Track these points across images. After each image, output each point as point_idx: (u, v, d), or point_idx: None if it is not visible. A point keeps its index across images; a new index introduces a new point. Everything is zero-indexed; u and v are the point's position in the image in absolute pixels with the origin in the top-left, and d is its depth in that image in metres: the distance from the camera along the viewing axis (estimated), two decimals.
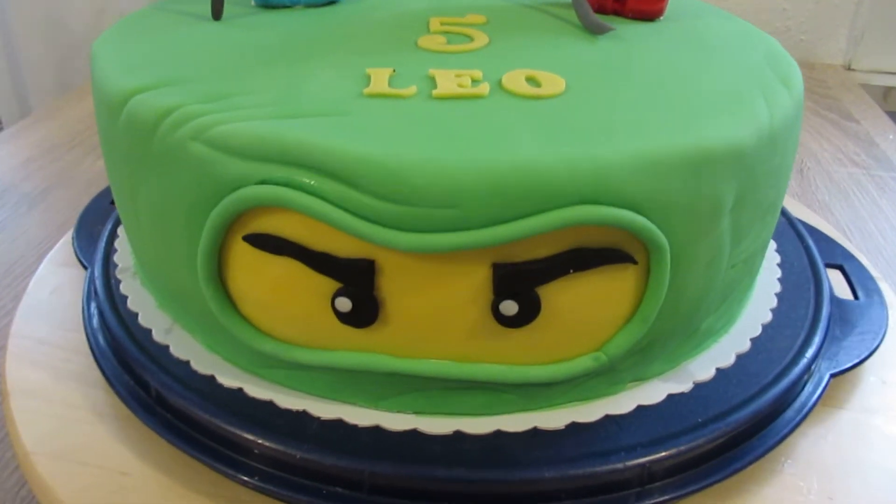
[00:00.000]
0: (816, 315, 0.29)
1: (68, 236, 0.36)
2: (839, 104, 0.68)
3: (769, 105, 0.24)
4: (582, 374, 0.23)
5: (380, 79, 0.23)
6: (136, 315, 0.27)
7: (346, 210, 0.20)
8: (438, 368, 0.22)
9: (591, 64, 0.26)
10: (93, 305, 0.29)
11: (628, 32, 0.29)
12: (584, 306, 0.22)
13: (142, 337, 0.26)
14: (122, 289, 0.29)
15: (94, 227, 0.35)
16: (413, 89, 0.23)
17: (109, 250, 0.31)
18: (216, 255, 0.22)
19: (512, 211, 0.20)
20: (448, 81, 0.23)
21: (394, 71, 0.24)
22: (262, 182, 0.21)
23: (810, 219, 0.42)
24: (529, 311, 0.21)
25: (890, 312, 0.31)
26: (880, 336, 0.29)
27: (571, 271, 0.21)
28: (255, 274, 0.22)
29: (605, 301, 0.22)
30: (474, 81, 0.24)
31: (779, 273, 0.31)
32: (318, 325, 0.23)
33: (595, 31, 0.28)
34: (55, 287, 0.33)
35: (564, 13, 0.31)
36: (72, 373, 0.28)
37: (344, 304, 0.21)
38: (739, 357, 0.26)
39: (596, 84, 0.24)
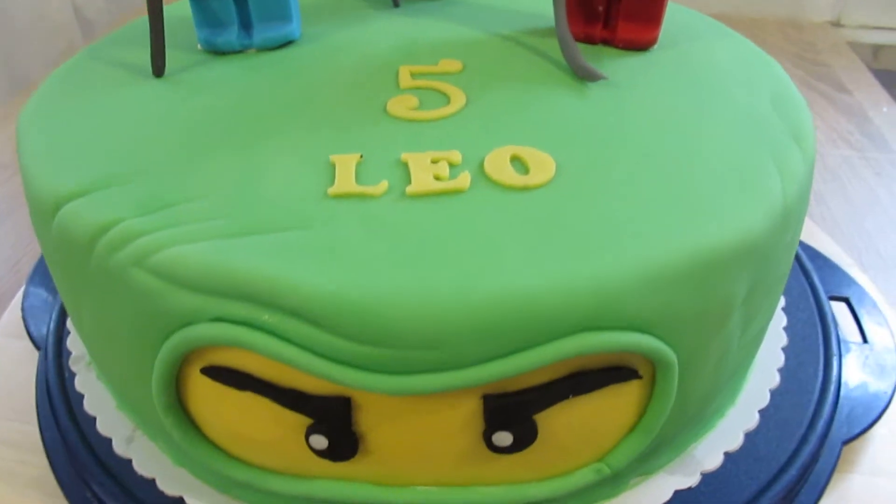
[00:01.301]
0: (826, 374, 0.27)
1: (19, 297, 0.34)
2: (830, 72, 0.65)
3: (782, 174, 0.22)
4: (583, 487, 0.21)
5: (346, 171, 0.21)
6: (94, 419, 0.25)
7: (313, 352, 0.18)
8: (426, 496, 0.20)
9: (582, 129, 0.23)
10: (46, 405, 0.26)
11: (620, 72, 0.26)
12: (584, 423, 0.20)
13: (101, 448, 0.24)
14: (78, 384, 0.26)
15: (46, 293, 0.32)
16: (384, 186, 0.20)
17: (62, 332, 0.29)
18: (173, 384, 0.20)
19: (504, 347, 0.17)
20: (423, 172, 0.20)
21: (361, 157, 0.21)
22: (217, 319, 0.18)
23: (809, 229, 0.40)
24: (525, 439, 0.19)
25: None
26: (891, 391, 0.27)
27: (571, 396, 0.19)
28: (218, 404, 0.20)
29: (607, 415, 0.20)
30: (452, 167, 0.21)
31: (784, 320, 0.29)
32: (292, 455, 0.20)
33: (583, 76, 0.25)
34: (4, 366, 0.30)
35: (547, 46, 0.28)
36: (28, 479, 0.26)
37: (319, 441, 0.19)
38: (748, 435, 0.25)
39: (588, 162, 0.21)
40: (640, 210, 0.20)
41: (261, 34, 0.28)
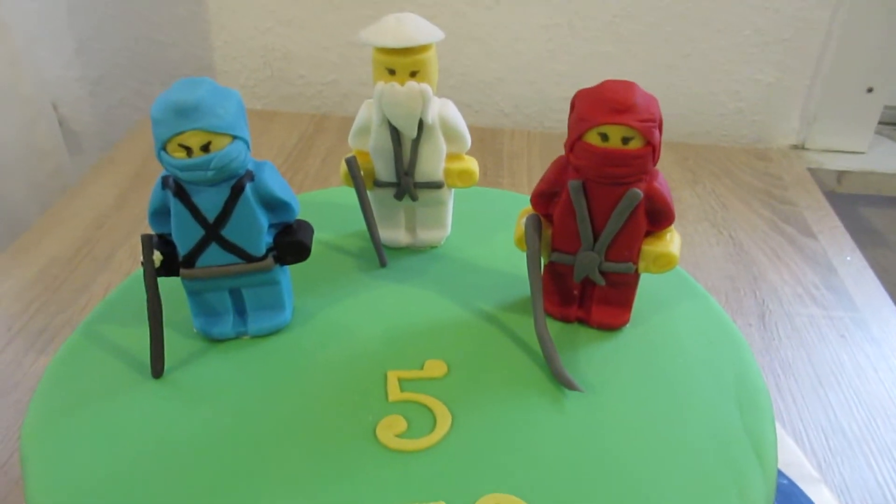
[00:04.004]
0: None
1: None
2: (796, 212, 0.68)
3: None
4: None
5: None
6: None
7: None
8: None
9: (557, 460, 0.24)
10: None
11: (594, 362, 0.28)
12: None
13: None
14: None
15: None
16: None
17: None
18: None
19: None
20: None
21: None
22: None
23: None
24: None
25: None
26: None
27: None
28: None
29: None
30: None
31: None
32: None
33: (563, 384, 0.27)
34: None
35: (526, 331, 0.29)
36: None
37: None
38: None
39: None
40: None
41: (255, 324, 0.29)
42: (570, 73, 0.79)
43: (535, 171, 0.72)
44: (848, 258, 0.62)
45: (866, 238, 0.85)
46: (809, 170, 0.76)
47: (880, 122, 0.81)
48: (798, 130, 0.82)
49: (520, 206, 0.31)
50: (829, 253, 0.63)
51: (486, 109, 0.82)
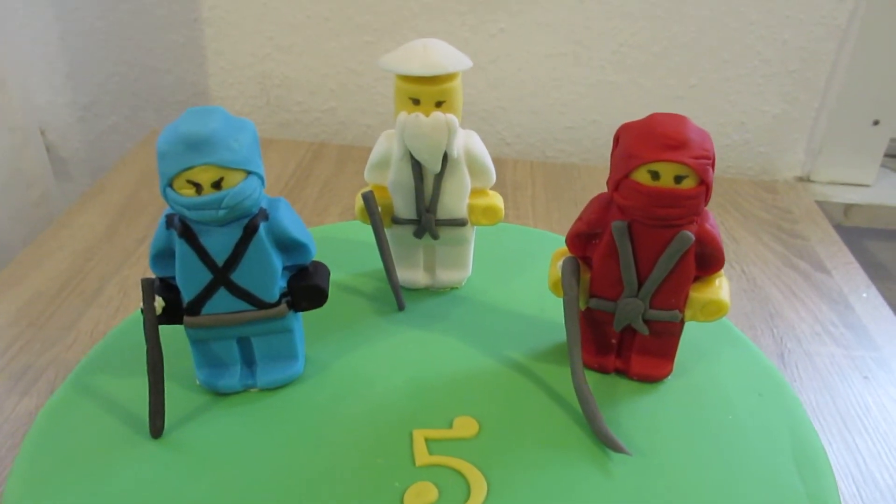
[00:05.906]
0: None
1: None
2: (808, 246, 0.66)
3: None
4: None
5: None
6: None
7: None
8: None
9: None
10: None
11: (637, 426, 0.26)
12: None
13: None
14: None
15: None
16: None
17: None
18: None
19: None
20: None
21: None
22: None
23: None
24: None
25: None
26: None
27: None
28: None
29: None
30: None
31: None
32: None
33: (608, 446, 0.24)
34: None
35: (561, 384, 0.27)
36: None
37: None
38: None
39: None
40: None
41: (265, 376, 0.26)
42: (573, 102, 0.77)
43: (539, 202, 0.70)
44: (864, 295, 0.60)
45: (874, 272, 0.83)
46: (815, 202, 0.75)
47: (886, 155, 0.80)
48: (803, 162, 0.80)
49: (539, 242, 0.29)
50: (844, 290, 0.61)
51: (488, 138, 0.80)
